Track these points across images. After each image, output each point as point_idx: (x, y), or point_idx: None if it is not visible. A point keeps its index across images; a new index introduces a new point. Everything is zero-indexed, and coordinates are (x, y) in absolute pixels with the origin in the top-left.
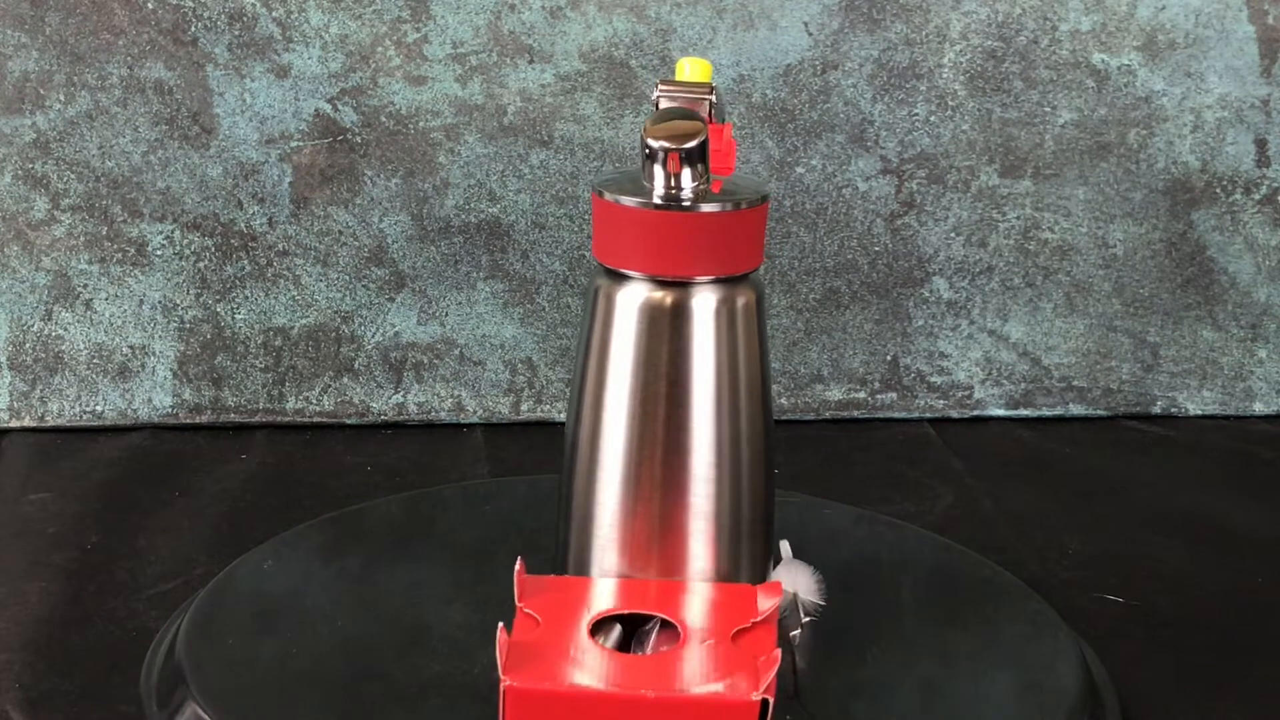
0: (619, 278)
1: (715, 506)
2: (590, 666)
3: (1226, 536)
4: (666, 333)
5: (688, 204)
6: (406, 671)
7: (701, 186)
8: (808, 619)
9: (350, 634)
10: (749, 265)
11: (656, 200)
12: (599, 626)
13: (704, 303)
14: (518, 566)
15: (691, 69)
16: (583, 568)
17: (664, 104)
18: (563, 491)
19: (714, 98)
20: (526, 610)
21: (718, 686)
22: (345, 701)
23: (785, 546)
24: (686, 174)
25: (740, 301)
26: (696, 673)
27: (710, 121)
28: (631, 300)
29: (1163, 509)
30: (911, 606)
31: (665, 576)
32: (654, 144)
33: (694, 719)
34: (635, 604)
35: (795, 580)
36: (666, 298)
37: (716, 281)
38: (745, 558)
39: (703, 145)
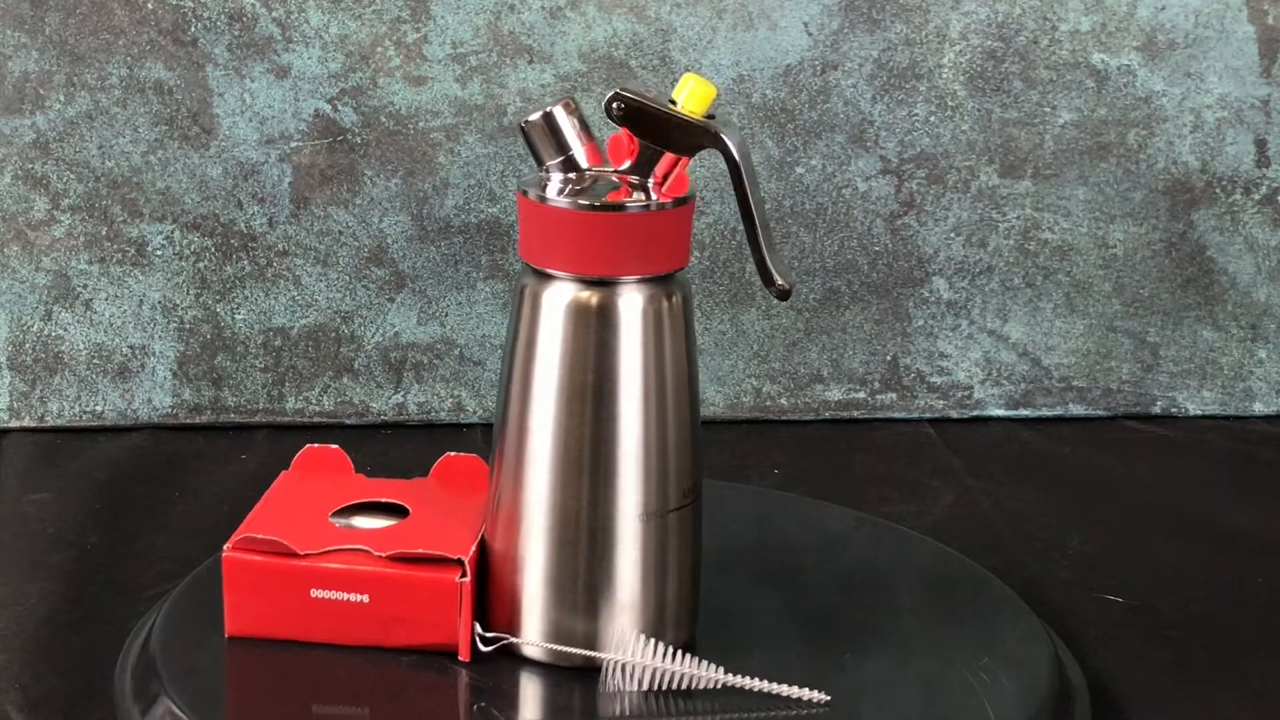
0: (545, 277)
1: (641, 505)
2: (290, 506)
3: (1226, 536)
4: (593, 332)
5: (587, 198)
6: (383, 665)
7: (583, 166)
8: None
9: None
10: (675, 264)
11: (562, 196)
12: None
13: (630, 302)
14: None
15: (687, 90)
16: (513, 562)
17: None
18: (491, 488)
19: (622, 106)
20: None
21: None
22: (321, 695)
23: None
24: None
25: (667, 301)
26: (285, 531)
27: (623, 129)
28: (558, 300)
29: (1163, 509)
30: (890, 609)
31: (591, 572)
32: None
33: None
34: (401, 497)
35: (629, 650)
36: (592, 297)
37: (643, 281)
38: (671, 555)
39: (547, 118)
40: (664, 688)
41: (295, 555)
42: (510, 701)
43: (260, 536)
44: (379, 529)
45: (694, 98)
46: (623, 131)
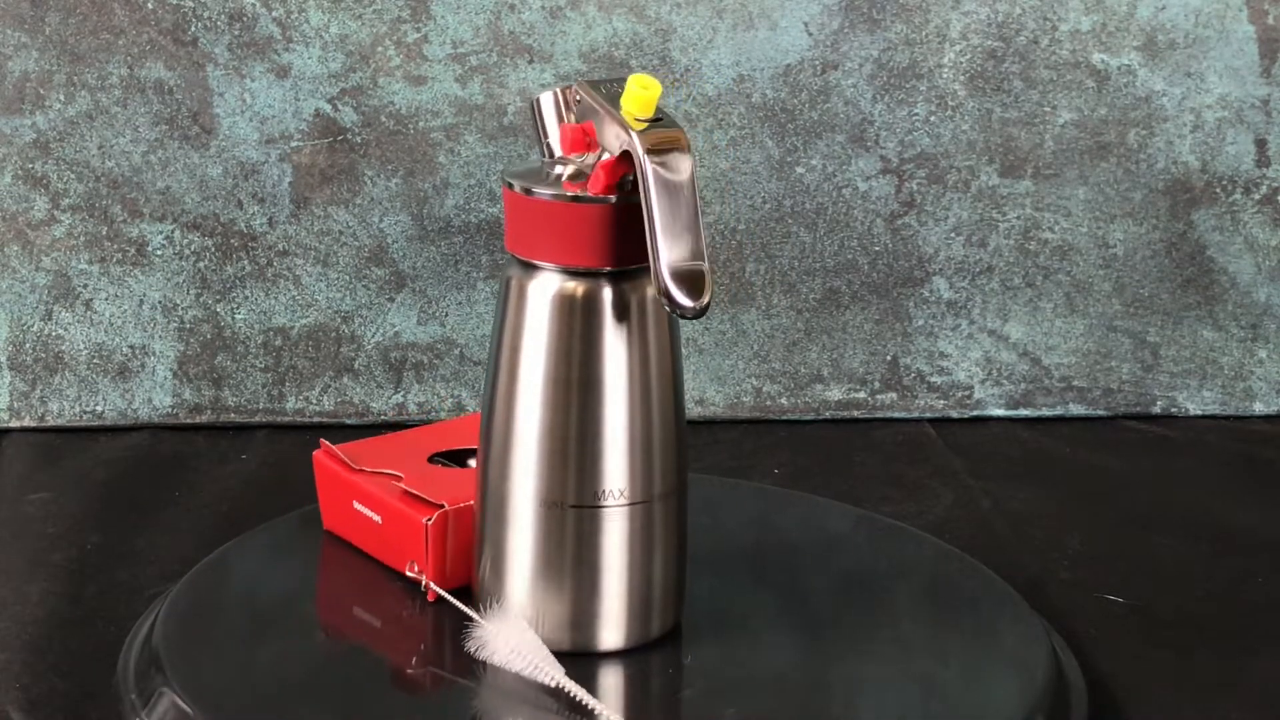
0: (531, 268)
1: (627, 495)
2: (390, 448)
3: (1226, 536)
4: (578, 323)
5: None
6: (380, 660)
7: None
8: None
9: (328, 624)
10: None
11: (563, 190)
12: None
13: (615, 293)
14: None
15: (628, 91)
16: (498, 554)
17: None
18: (479, 482)
19: (576, 95)
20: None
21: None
22: (319, 691)
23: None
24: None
25: (650, 291)
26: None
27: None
28: (543, 291)
29: (1163, 509)
30: (890, 608)
31: (579, 564)
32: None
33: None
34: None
35: (507, 632)
36: (578, 288)
37: (626, 272)
38: (656, 545)
39: (557, 96)
40: (517, 670)
41: (349, 468)
42: (448, 652)
43: (335, 448)
44: (435, 468)
45: (633, 100)
46: (583, 124)
